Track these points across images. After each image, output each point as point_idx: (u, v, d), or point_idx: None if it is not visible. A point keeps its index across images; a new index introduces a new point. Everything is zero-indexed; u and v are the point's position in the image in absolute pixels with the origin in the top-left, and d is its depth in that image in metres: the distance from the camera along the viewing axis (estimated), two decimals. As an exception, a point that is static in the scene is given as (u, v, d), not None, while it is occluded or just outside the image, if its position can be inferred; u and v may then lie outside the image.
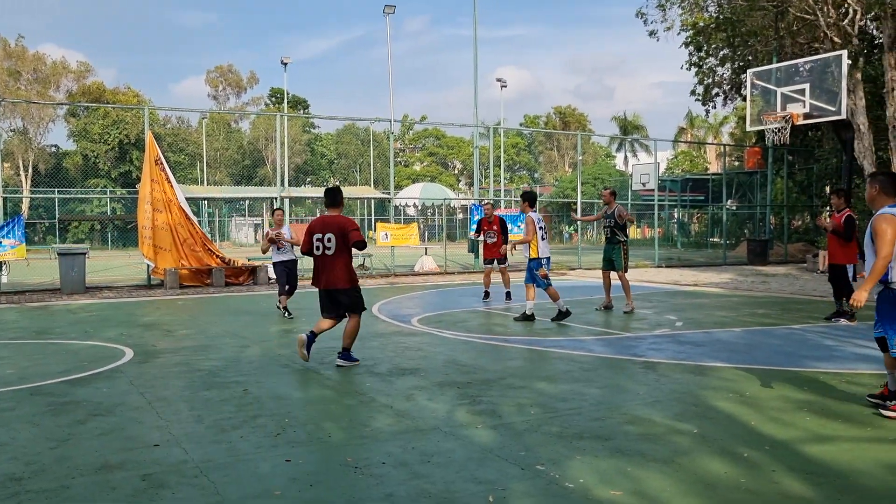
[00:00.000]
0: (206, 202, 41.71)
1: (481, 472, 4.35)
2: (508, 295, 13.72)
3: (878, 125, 22.01)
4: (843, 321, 10.65)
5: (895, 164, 20.85)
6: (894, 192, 5.68)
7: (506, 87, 45.16)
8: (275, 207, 12.22)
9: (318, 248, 7.45)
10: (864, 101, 21.07)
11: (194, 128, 58.97)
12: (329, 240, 7.37)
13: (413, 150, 78.28)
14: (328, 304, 7.62)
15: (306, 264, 15.14)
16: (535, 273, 10.92)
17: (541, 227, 10.96)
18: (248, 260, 19.21)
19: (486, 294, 13.93)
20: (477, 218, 21.61)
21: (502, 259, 13.91)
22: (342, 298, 7.52)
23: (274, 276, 17.84)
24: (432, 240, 44.08)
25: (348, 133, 67.86)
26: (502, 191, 43.99)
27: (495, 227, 13.92)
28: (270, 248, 11.74)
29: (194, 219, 17.89)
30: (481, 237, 14.37)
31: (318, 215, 7.30)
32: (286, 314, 11.58)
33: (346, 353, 7.68)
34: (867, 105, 21.32)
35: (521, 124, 73.52)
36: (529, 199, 11.23)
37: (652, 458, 4.58)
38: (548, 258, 11.03)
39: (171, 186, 16.97)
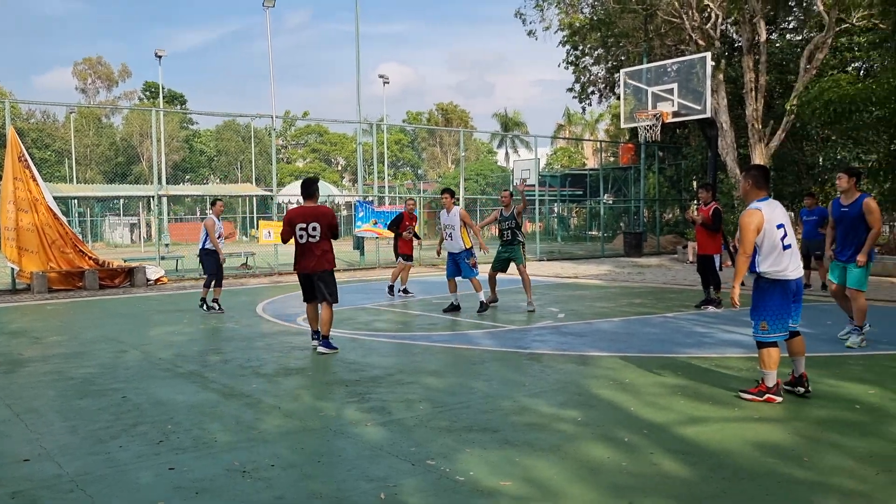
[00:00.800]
0: (76, 201, 39.56)
1: (372, 469, 4.34)
2: (399, 290, 13.99)
3: (738, 123, 23.42)
4: (711, 308, 11.28)
5: (755, 159, 22.23)
6: (766, 186, 5.90)
7: (388, 83, 45.26)
8: (215, 198, 12.58)
9: (302, 237, 8.01)
10: (726, 100, 22.37)
11: (61, 123, 55.81)
12: (315, 228, 7.97)
13: (295, 146, 77.00)
14: (310, 289, 8.23)
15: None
16: (467, 262, 11.36)
17: None
18: (125, 261, 18.39)
19: (405, 290, 14.10)
20: (361, 210, 21.53)
21: (410, 256, 14.33)
22: (323, 281, 8.06)
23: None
24: (317, 237, 43.42)
25: (228, 129, 65.89)
26: (386, 187, 43.94)
27: (415, 224, 14.37)
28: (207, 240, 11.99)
29: (64, 219, 16.96)
30: (406, 233, 14.20)
31: (295, 206, 8.15)
32: (218, 308, 11.72)
33: (326, 342, 8.15)
34: (729, 104, 22.66)
35: (403, 121, 73.72)
36: (454, 193, 11.87)
37: (539, 446, 4.71)
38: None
39: (37, 185, 16.01)
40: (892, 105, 17.05)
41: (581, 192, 40.82)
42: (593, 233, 39.03)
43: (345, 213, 50.25)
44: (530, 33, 30.41)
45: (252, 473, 4.30)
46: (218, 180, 62.42)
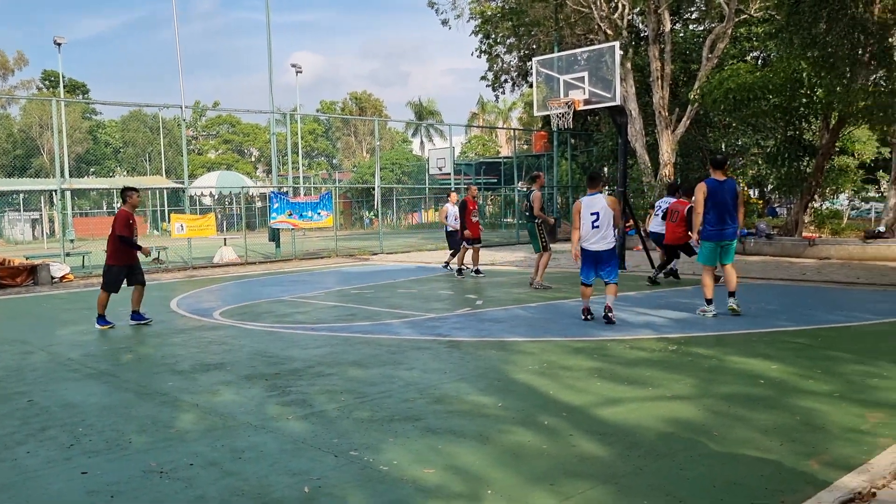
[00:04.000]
0: (-30, 197, 37.51)
1: (295, 463, 4.31)
2: (471, 270, 15.32)
3: (647, 111, 24.10)
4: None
5: (662, 146, 22.94)
6: (596, 185, 9.06)
7: (301, 72, 44.41)
8: (451, 189, 16.91)
9: None
10: (634, 88, 22.98)
11: (-49, 114, 52.76)
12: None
13: (207, 137, 75.00)
14: None
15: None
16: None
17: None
18: (27, 258, 17.58)
19: (477, 271, 15.27)
20: (276, 202, 21.19)
21: (478, 239, 15.35)
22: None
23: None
24: (231, 230, 42.68)
25: (135, 120, 63.55)
26: (301, 177, 43.30)
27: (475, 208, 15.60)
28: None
29: (-43, 216, 16.11)
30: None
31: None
32: (472, 271, 15.19)
33: (134, 315, 9.87)
34: (637, 92, 23.29)
35: (317, 110, 72.82)
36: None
37: (461, 433, 4.77)
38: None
39: (-74, 180, 15.14)
40: (787, 93, 17.88)
41: (496, 180, 41.20)
42: (508, 220, 39.46)
43: (259, 204, 49.42)
44: (444, 22, 30.58)
45: (170, 473, 4.21)
46: (125, 173, 60.20)
